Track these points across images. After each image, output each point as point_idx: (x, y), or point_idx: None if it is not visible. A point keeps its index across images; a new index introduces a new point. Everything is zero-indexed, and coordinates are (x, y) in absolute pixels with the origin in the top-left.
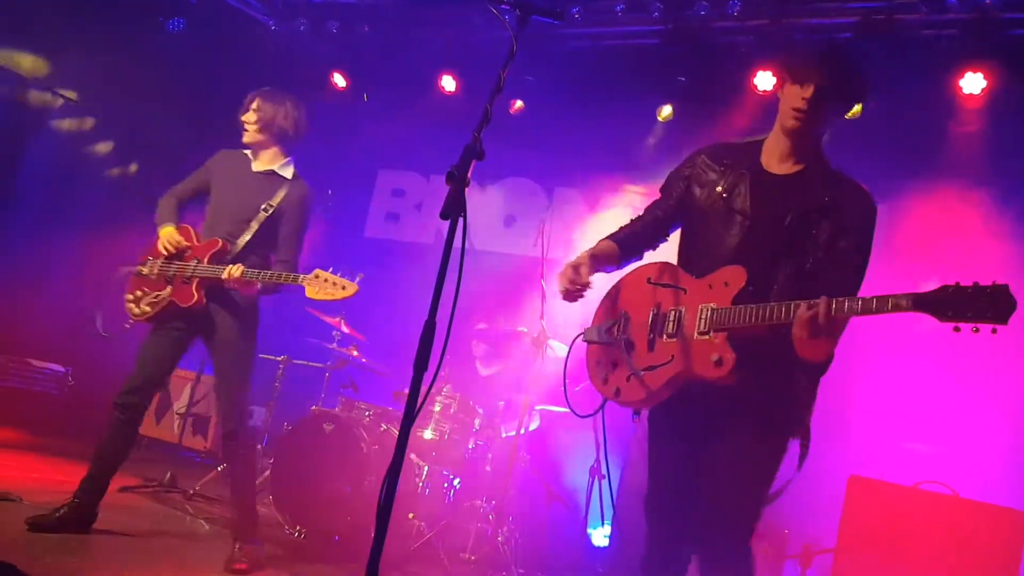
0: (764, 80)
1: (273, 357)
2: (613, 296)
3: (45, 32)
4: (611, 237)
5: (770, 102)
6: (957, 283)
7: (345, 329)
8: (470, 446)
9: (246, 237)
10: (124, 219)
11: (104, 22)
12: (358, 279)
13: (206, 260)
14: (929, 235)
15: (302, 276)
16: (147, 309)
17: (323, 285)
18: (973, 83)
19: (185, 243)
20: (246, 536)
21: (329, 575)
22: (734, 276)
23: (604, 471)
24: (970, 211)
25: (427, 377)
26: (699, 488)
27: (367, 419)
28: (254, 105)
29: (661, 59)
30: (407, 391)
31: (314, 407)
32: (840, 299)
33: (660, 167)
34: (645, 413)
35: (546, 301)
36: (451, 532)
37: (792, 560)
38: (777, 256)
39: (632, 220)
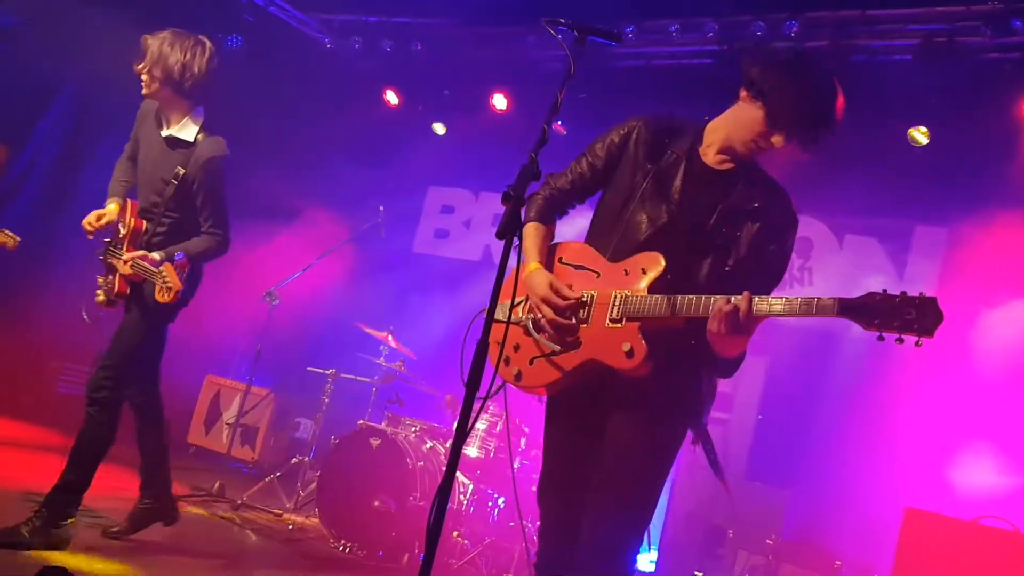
0: None
1: (322, 371)
2: (515, 274)
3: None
4: (539, 220)
5: None
6: (884, 291)
7: (392, 344)
8: (516, 465)
9: (159, 213)
10: None
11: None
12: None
13: (125, 245)
14: (990, 261)
15: (161, 268)
16: (101, 297)
17: (163, 280)
18: None
19: (116, 223)
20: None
21: None
22: (651, 263)
23: None
24: None
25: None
26: (593, 480)
27: (413, 435)
28: (144, 48)
29: (715, 80)
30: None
31: (361, 421)
32: (764, 297)
33: None
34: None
35: None
36: (494, 551)
37: None
38: (697, 250)
39: (550, 179)
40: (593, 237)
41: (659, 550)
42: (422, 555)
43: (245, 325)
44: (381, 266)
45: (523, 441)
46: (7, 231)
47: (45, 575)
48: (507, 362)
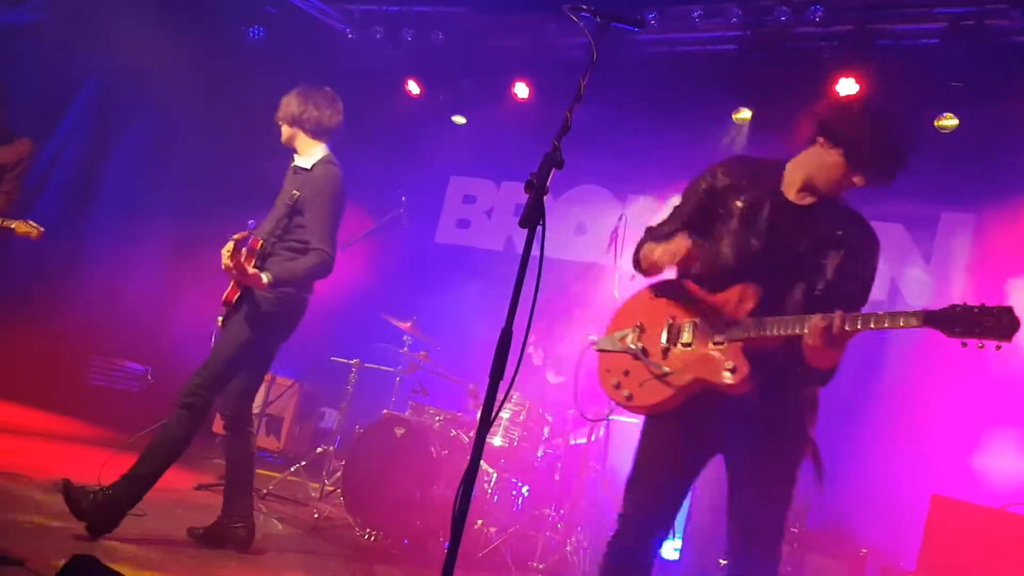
0: (847, 87)
1: (346, 360)
2: (626, 309)
3: (128, 38)
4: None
5: None
6: (964, 303)
7: (416, 334)
8: (539, 454)
9: (275, 233)
10: (204, 222)
11: (187, 29)
12: None
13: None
14: (1018, 247)
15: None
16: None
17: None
18: None
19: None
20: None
21: None
22: (748, 293)
23: None
24: None
25: (503, 385)
26: (738, 496)
27: (437, 424)
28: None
29: (739, 66)
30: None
31: (385, 411)
32: (854, 314)
33: None
34: None
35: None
36: (519, 540)
37: None
38: (788, 278)
39: (650, 231)
40: (691, 273)
41: (683, 539)
42: (447, 544)
43: None
44: (403, 256)
45: (546, 430)
46: (31, 221)
47: (76, 563)
48: (617, 386)
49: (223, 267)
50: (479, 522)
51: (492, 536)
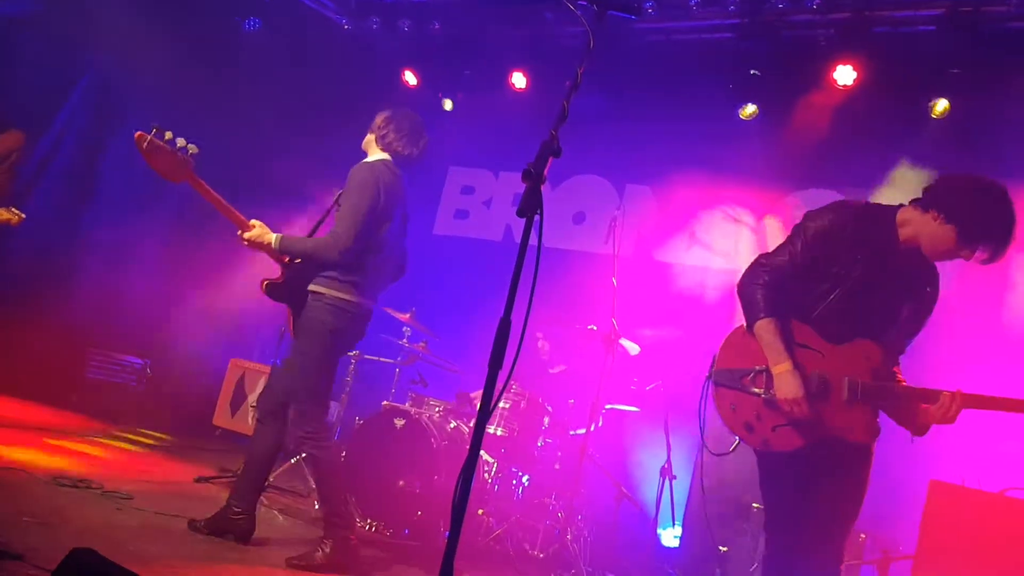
0: (844, 75)
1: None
2: (742, 342)
3: (125, 31)
4: (776, 314)
5: (851, 96)
6: None
7: (415, 325)
8: (539, 444)
9: (322, 224)
10: (202, 217)
11: (183, 21)
12: None
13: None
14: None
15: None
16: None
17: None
18: None
19: None
20: (333, 533)
21: (399, 568)
22: (870, 352)
23: (675, 472)
24: None
25: (502, 374)
26: (815, 511)
27: (437, 415)
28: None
29: (736, 54)
30: (471, 394)
31: (385, 402)
32: (974, 394)
33: (734, 163)
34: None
35: (617, 299)
36: (520, 529)
37: (869, 566)
38: (876, 332)
39: (774, 272)
40: (808, 317)
41: (683, 526)
42: (447, 533)
43: (268, 308)
44: None
45: (546, 420)
46: (13, 208)
47: (76, 556)
48: (750, 429)
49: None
50: (480, 511)
51: (493, 525)
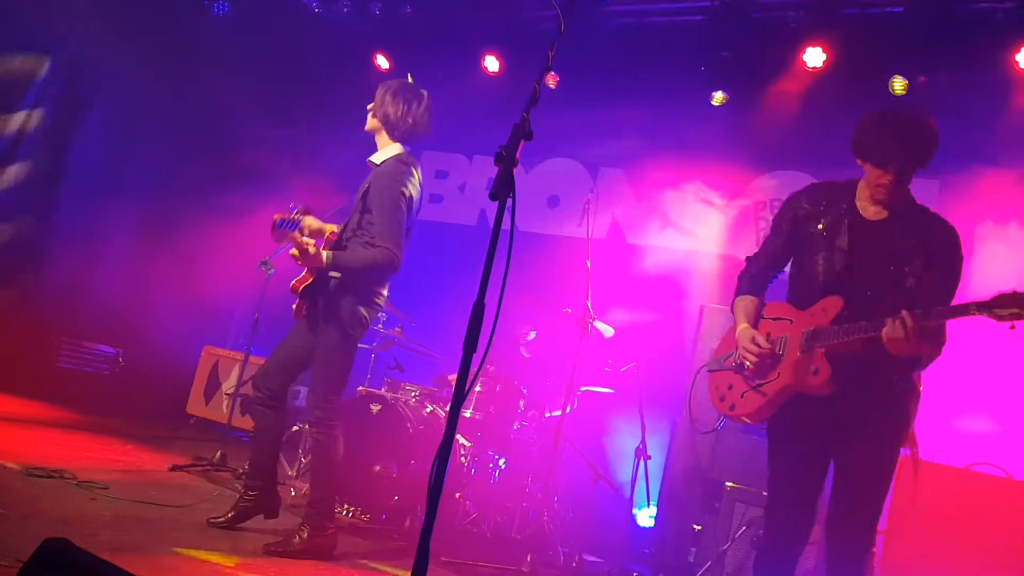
0: (814, 56)
1: None
2: (731, 333)
3: (91, 14)
4: (748, 293)
5: (820, 78)
6: (1014, 290)
7: (390, 310)
8: (515, 427)
9: (348, 227)
10: (173, 203)
11: (150, 4)
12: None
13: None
14: (982, 212)
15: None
16: (295, 285)
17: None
18: None
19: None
20: (313, 521)
21: (377, 553)
22: (831, 304)
23: (649, 452)
24: None
25: (476, 358)
26: (837, 497)
27: (413, 400)
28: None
29: (707, 36)
30: (449, 376)
31: (361, 387)
32: (917, 311)
33: (706, 145)
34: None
35: (591, 282)
36: (497, 511)
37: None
38: (876, 291)
39: (749, 262)
40: (788, 296)
41: (658, 505)
42: (424, 516)
43: (241, 295)
44: None
45: (521, 403)
46: None
47: (49, 547)
48: (722, 399)
49: (291, 255)
50: (457, 495)
51: (470, 508)
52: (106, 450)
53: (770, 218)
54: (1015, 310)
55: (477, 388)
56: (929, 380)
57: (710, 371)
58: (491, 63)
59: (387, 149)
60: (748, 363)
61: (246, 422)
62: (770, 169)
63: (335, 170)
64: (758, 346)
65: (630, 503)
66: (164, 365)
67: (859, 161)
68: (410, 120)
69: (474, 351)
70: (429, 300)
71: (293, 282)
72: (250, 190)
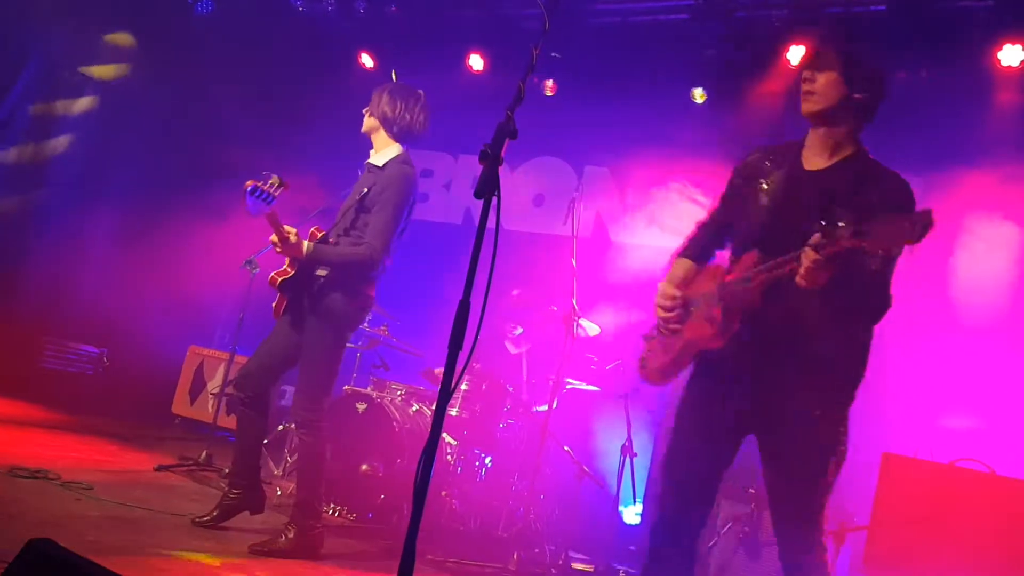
0: (797, 55)
1: None
2: None
3: (74, 13)
4: (685, 255)
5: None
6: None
7: (375, 309)
8: (501, 425)
9: (339, 225)
10: (157, 202)
11: (133, 5)
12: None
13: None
14: (966, 209)
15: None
16: (274, 277)
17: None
18: (1012, 55)
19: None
20: (299, 521)
21: (363, 552)
22: (749, 258)
23: (635, 449)
24: (1010, 186)
25: (462, 356)
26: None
27: (399, 399)
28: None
29: (692, 34)
30: (438, 370)
31: (346, 387)
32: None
33: (690, 143)
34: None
35: (576, 280)
36: (483, 510)
37: (826, 537)
38: (796, 244)
39: (698, 228)
40: (731, 255)
41: (644, 503)
42: (410, 515)
43: (227, 294)
44: None
45: (508, 401)
46: None
47: (33, 547)
48: (643, 364)
49: (270, 240)
50: (443, 493)
51: (456, 507)
52: (91, 450)
53: None
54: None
55: (463, 387)
56: (916, 378)
57: (645, 339)
58: (476, 61)
59: (387, 150)
60: (662, 321)
61: (231, 422)
62: None
63: (319, 168)
64: (668, 299)
65: (616, 501)
66: (149, 365)
67: (807, 74)
68: (408, 117)
69: (459, 349)
70: (414, 299)
71: (272, 275)
72: (234, 189)
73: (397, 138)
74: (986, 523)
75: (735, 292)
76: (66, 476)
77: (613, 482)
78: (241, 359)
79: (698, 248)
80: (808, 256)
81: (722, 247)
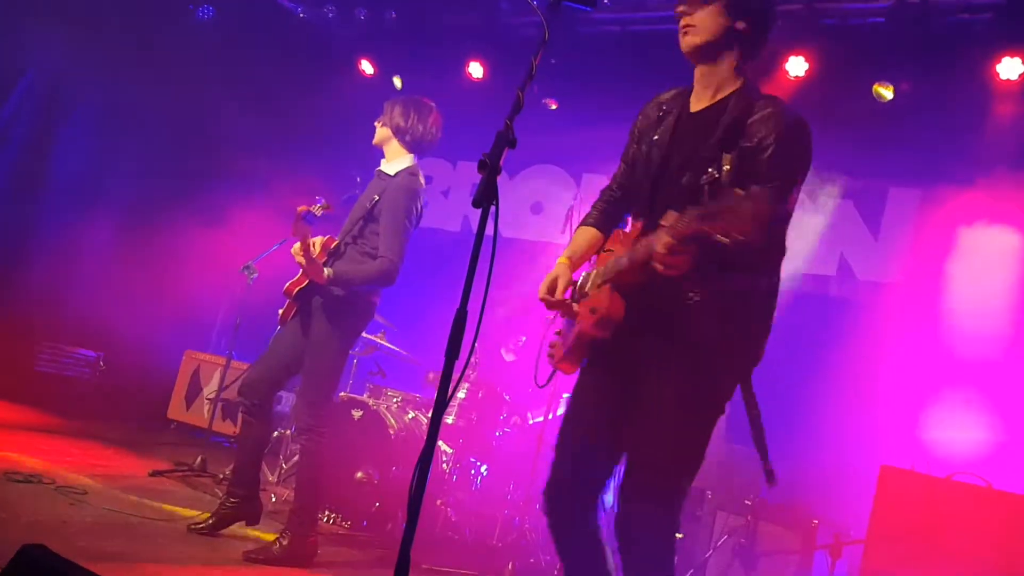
0: (796, 66)
1: None
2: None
3: (74, 16)
4: (588, 223)
5: (802, 87)
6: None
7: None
8: (497, 433)
9: (349, 232)
10: (155, 206)
11: (134, 7)
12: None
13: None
14: (963, 223)
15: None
16: (290, 288)
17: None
18: (1011, 68)
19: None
20: (294, 529)
21: (357, 560)
22: (636, 228)
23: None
24: (1008, 200)
25: (458, 365)
26: (626, 436)
27: (395, 406)
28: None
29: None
30: (430, 375)
31: (343, 393)
32: (654, 236)
33: None
34: None
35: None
36: (478, 518)
37: (822, 551)
38: (684, 203)
39: (603, 192)
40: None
41: None
42: (405, 523)
43: (224, 299)
44: None
45: (504, 410)
46: None
47: (25, 553)
48: (552, 347)
49: (292, 252)
50: (438, 501)
51: (451, 515)
52: (85, 455)
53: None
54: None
55: (460, 394)
56: (913, 391)
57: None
58: (475, 69)
59: (398, 160)
60: (548, 306)
61: (227, 427)
62: None
63: (320, 174)
64: (547, 283)
65: (612, 511)
66: (145, 369)
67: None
68: (420, 127)
69: (456, 358)
70: (412, 306)
71: (288, 284)
72: (232, 194)
73: (409, 148)
74: (983, 537)
75: (617, 276)
76: (60, 481)
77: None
78: (238, 364)
79: (601, 215)
80: (660, 240)
81: (629, 211)
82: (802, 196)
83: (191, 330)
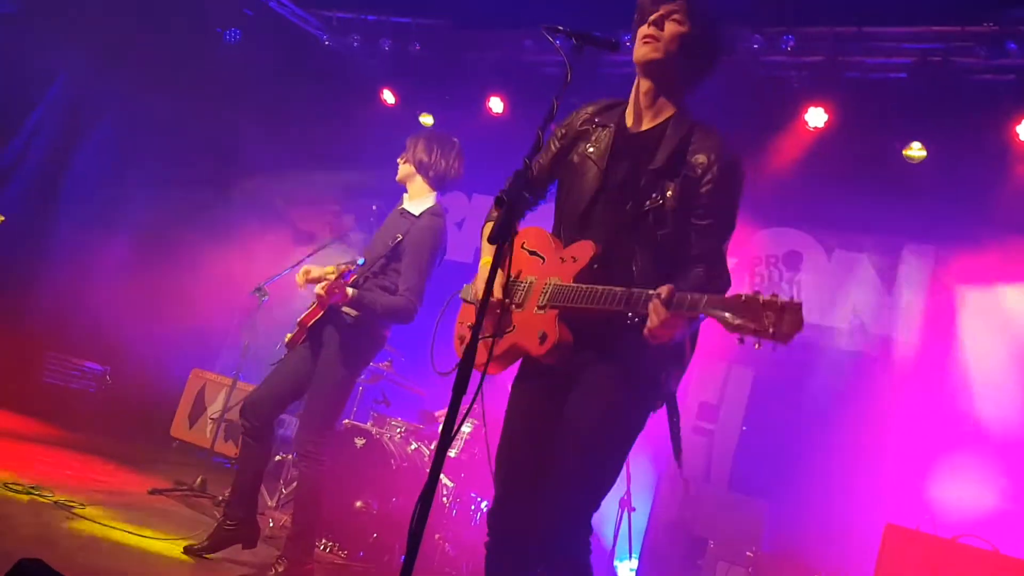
0: (816, 117)
1: None
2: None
3: (102, 34)
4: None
5: (820, 138)
6: (756, 292)
7: None
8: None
9: (369, 269)
10: (170, 224)
11: (163, 28)
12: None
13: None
14: (976, 281)
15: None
16: (305, 320)
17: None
18: None
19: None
20: (291, 555)
21: None
22: (581, 252)
23: (634, 504)
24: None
25: (466, 400)
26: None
27: (398, 436)
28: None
29: (711, 93)
30: (435, 412)
31: (346, 420)
32: (674, 295)
33: None
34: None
35: None
36: (477, 555)
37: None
38: (627, 227)
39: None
40: (554, 224)
41: (640, 559)
42: (403, 557)
43: (234, 320)
44: None
45: None
46: None
47: (22, 568)
48: (462, 340)
49: (316, 293)
50: (437, 536)
51: (449, 550)
52: (86, 469)
53: (765, 273)
54: (742, 321)
55: (466, 428)
56: (921, 449)
57: (462, 299)
58: (496, 104)
59: (422, 199)
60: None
61: (229, 448)
62: (768, 225)
63: (336, 201)
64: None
65: (612, 555)
66: (151, 385)
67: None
68: (443, 163)
69: (464, 393)
70: (420, 336)
71: (302, 316)
72: (247, 216)
73: (432, 185)
74: None
75: (574, 308)
76: (59, 493)
77: (610, 535)
78: (244, 386)
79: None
80: (658, 312)
81: (532, 208)
82: (815, 245)
83: (199, 348)
